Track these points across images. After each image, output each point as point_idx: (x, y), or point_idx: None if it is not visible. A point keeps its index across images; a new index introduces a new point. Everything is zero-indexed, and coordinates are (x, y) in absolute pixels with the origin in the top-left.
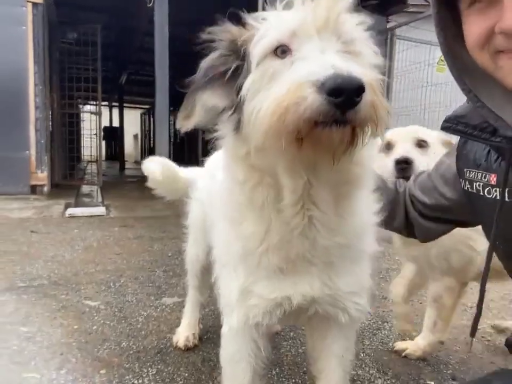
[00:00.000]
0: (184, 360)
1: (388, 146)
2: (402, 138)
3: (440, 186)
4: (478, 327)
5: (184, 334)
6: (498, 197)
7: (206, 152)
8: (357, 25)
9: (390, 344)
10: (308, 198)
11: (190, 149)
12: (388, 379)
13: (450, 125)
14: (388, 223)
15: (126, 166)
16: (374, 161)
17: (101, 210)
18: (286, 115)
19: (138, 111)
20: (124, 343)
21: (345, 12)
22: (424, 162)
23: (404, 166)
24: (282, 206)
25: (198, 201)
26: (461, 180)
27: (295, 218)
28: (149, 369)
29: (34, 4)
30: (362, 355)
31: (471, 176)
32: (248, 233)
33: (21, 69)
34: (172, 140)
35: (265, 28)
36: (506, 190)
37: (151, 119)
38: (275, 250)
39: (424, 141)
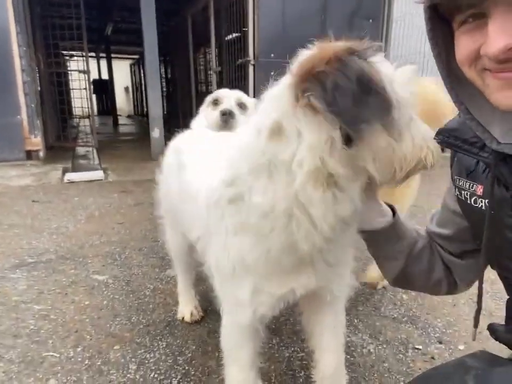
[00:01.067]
0: (191, 333)
1: (215, 102)
2: (227, 97)
3: (453, 205)
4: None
5: (187, 309)
6: (484, 207)
7: (200, 103)
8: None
9: (382, 309)
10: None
11: (183, 100)
12: (380, 344)
13: (442, 137)
14: (427, 278)
15: (120, 122)
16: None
17: (99, 174)
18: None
19: (127, 62)
20: (133, 318)
21: None
22: (243, 120)
23: (227, 117)
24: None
25: (172, 173)
26: (453, 185)
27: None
28: (159, 342)
29: None
30: (355, 321)
31: (460, 184)
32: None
33: (1, 30)
34: (164, 92)
35: None
36: (488, 201)
37: (141, 69)
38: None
39: (244, 104)
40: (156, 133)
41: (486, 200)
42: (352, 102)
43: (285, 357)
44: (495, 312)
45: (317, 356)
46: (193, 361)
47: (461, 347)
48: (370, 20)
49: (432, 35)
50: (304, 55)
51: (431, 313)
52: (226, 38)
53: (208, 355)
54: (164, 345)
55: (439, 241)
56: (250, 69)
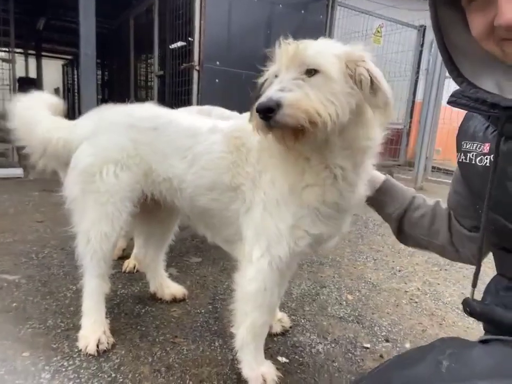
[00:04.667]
0: (121, 336)
1: None
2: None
3: (456, 185)
4: (406, 290)
5: (93, 336)
6: (488, 164)
7: None
8: (317, 51)
9: (329, 309)
10: (330, 162)
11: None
12: (328, 343)
13: (455, 98)
14: (429, 242)
15: None
16: (381, 139)
17: (17, 171)
18: None
19: (59, 62)
20: (50, 321)
21: (306, 48)
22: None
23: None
24: (311, 163)
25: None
26: (457, 153)
27: (322, 172)
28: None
29: None
30: (302, 321)
31: (467, 147)
32: (292, 173)
33: None
34: (99, 97)
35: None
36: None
37: (75, 71)
38: (312, 191)
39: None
40: None
41: (492, 155)
42: None
43: (229, 360)
44: (435, 311)
45: None
46: (122, 368)
47: (407, 345)
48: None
49: (436, 21)
50: None
51: (376, 312)
52: (171, 46)
53: (140, 360)
54: None
55: (454, 214)
56: (195, 74)
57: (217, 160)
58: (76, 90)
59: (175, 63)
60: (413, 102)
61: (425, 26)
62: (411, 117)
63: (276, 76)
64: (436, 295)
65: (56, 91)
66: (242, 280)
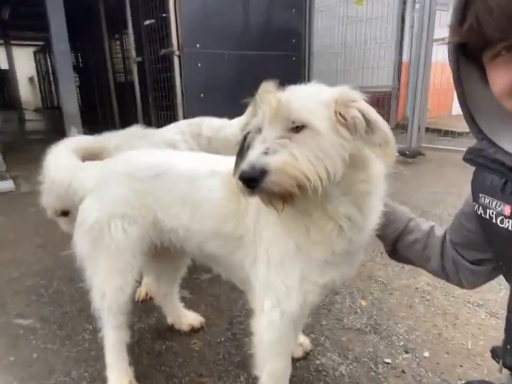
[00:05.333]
0: (146, 382)
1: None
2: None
3: (465, 222)
4: (417, 286)
5: None
6: (511, 228)
7: (119, 94)
8: (301, 104)
9: (345, 320)
10: (333, 213)
11: (100, 92)
12: (350, 363)
13: (471, 157)
14: (420, 266)
15: (27, 117)
16: (382, 180)
17: (9, 185)
18: None
19: (30, 49)
20: (74, 372)
21: (290, 101)
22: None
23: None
24: (313, 217)
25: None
26: (474, 203)
27: (327, 226)
28: None
29: None
30: (322, 339)
31: (485, 202)
32: (295, 229)
33: None
34: (78, 84)
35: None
36: None
37: (48, 57)
38: (320, 246)
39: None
40: (74, 132)
41: None
42: None
43: None
44: (448, 309)
45: None
46: None
47: (426, 354)
48: (294, 10)
49: (458, 75)
50: None
51: (391, 318)
52: (145, 23)
53: None
54: None
55: (453, 245)
56: (176, 59)
57: (217, 208)
58: (51, 79)
59: (153, 48)
60: (400, 63)
61: None
62: (399, 78)
63: (259, 129)
64: (446, 288)
65: (31, 80)
66: (258, 328)
